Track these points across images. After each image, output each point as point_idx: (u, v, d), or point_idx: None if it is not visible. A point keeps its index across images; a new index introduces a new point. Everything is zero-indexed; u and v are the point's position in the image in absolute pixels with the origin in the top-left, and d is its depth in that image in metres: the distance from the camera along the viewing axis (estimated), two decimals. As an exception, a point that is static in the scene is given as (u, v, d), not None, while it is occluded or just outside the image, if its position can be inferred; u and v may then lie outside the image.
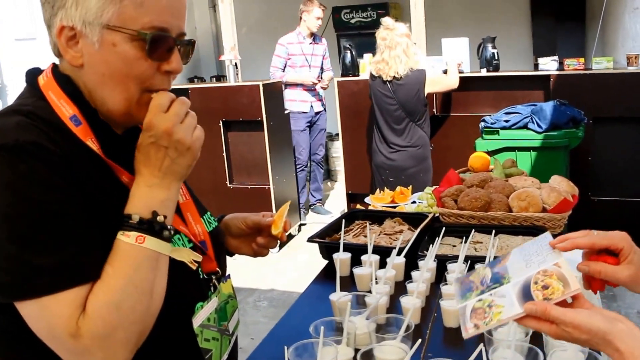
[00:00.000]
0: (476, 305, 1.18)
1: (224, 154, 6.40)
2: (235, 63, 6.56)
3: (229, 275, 1.51)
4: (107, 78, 1.22)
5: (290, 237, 6.79)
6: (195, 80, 9.18)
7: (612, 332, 1.04)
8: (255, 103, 6.13)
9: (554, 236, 2.53)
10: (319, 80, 6.99)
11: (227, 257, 1.63)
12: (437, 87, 5.14)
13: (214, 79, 8.65)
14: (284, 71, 7.01)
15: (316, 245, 2.54)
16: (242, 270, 1.55)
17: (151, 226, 1.19)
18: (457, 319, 1.83)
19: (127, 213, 1.18)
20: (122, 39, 1.20)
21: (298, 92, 7.09)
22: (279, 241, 1.70)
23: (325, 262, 2.54)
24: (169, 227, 1.22)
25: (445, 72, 5.41)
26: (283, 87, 6.98)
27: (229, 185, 6.44)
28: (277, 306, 5.04)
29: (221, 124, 6.27)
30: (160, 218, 1.20)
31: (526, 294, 1.13)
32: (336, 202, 7.99)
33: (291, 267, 5.98)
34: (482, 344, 1.30)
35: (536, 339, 1.54)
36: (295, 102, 7.10)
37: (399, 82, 4.93)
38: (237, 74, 6.57)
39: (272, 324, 1.92)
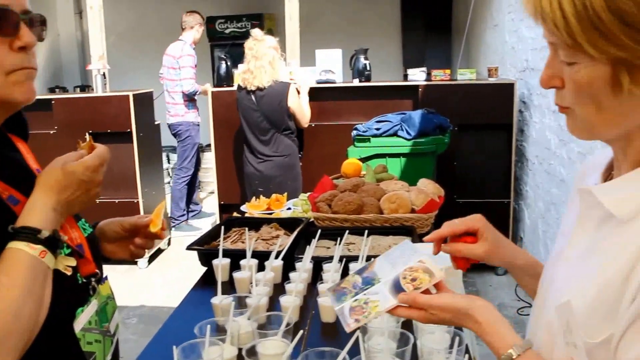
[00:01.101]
0: (353, 304, 1.27)
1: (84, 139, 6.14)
2: (104, 73, 6.38)
3: (106, 277, 1.51)
4: None
5: (160, 251, 6.70)
6: (57, 90, 8.81)
7: (473, 307, 1.15)
8: (124, 114, 5.99)
9: (421, 235, 2.69)
10: None
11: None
12: (296, 109, 5.11)
13: (79, 89, 8.41)
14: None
15: (186, 259, 2.56)
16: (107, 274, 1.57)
17: (55, 244, 1.22)
18: (334, 314, 1.92)
19: (34, 227, 1.19)
20: None
21: (194, 103, 7.09)
22: (154, 240, 1.72)
23: (197, 273, 2.55)
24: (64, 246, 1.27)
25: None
26: (186, 98, 6.94)
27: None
28: (148, 322, 4.93)
29: (87, 136, 6.02)
30: (64, 238, 1.25)
31: (397, 288, 1.24)
32: (205, 213, 7.95)
33: (161, 282, 5.87)
34: (358, 332, 1.38)
35: (407, 325, 1.65)
36: (196, 113, 7.10)
37: (262, 92, 4.97)
38: (105, 84, 6.39)
39: (142, 341, 1.91)
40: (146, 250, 1.73)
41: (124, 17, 9.78)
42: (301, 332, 1.46)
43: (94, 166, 1.28)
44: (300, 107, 5.14)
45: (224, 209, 6.25)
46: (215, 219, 6.80)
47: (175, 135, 7.21)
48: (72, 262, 1.35)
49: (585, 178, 1.17)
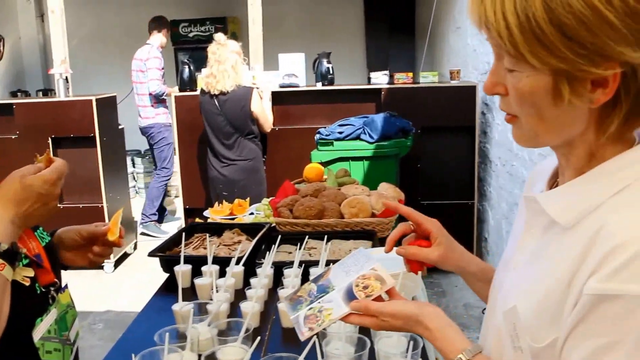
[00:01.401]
0: (307, 313, 1.28)
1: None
2: (66, 77, 6.33)
3: (66, 285, 1.53)
4: None
5: (126, 255, 6.67)
6: (19, 94, 8.71)
7: (422, 314, 1.18)
8: (87, 118, 5.94)
9: (382, 239, 2.73)
10: None
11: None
12: (259, 114, 5.12)
13: (41, 92, 8.32)
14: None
15: (152, 263, 2.56)
16: (74, 292, 1.58)
17: (14, 257, 1.25)
18: (294, 320, 1.95)
19: None
20: None
21: (165, 104, 7.15)
22: (113, 248, 1.74)
23: (163, 278, 2.56)
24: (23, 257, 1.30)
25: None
26: (154, 99, 6.99)
27: (58, 205, 6.11)
28: (114, 328, 4.89)
29: (50, 141, 5.98)
30: (22, 250, 1.28)
31: (350, 296, 1.26)
32: (172, 217, 7.92)
33: (128, 287, 5.84)
34: (315, 337, 1.40)
35: (365, 329, 1.67)
36: (167, 114, 7.13)
37: (225, 97, 4.99)
38: (67, 88, 6.32)
39: (109, 347, 1.92)
40: (106, 257, 1.75)
41: (86, 20, 9.69)
42: (259, 338, 1.49)
43: (52, 180, 1.31)
44: (263, 112, 5.15)
45: (189, 213, 6.24)
46: (181, 222, 6.79)
47: (148, 137, 7.19)
48: (30, 272, 1.36)
49: (533, 185, 1.21)
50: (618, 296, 0.86)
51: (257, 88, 5.22)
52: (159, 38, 7.20)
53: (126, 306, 5.35)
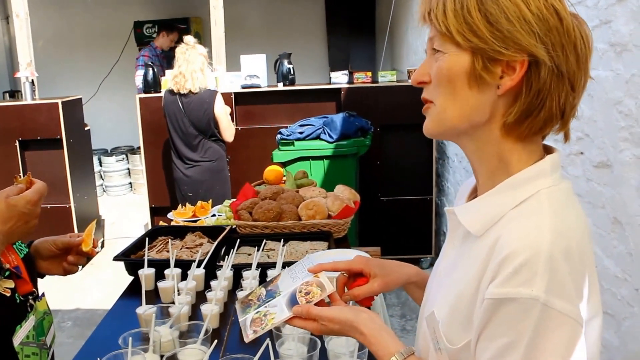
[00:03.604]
0: (254, 316, 1.39)
1: (21, 174, 6.11)
2: (32, 80, 6.38)
3: (43, 293, 1.65)
4: None
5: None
6: (-15, 96, 8.71)
7: (357, 320, 1.27)
8: (54, 121, 6.03)
9: (337, 239, 2.85)
10: None
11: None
12: (222, 118, 5.17)
13: (7, 94, 8.30)
14: None
15: (119, 263, 2.65)
16: (42, 290, 1.71)
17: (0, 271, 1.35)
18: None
19: None
20: None
21: None
22: (86, 257, 1.86)
23: (129, 276, 2.65)
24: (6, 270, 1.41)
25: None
26: None
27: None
28: (82, 325, 5.00)
29: (17, 144, 6.08)
30: (5, 266, 1.40)
31: (293, 301, 1.37)
32: (139, 215, 7.98)
33: (95, 285, 5.92)
34: (268, 339, 1.53)
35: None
36: None
37: (190, 99, 5.06)
38: (34, 91, 6.38)
39: (78, 344, 2.01)
40: (80, 265, 1.87)
41: (51, 22, 9.63)
42: (215, 341, 1.61)
43: (33, 200, 1.43)
44: (226, 116, 5.21)
45: (154, 211, 6.33)
46: (147, 220, 6.86)
47: None
48: (11, 284, 1.49)
49: (459, 200, 1.32)
50: (512, 299, 0.98)
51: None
52: (158, 40, 7.76)
53: (94, 304, 5.44)
